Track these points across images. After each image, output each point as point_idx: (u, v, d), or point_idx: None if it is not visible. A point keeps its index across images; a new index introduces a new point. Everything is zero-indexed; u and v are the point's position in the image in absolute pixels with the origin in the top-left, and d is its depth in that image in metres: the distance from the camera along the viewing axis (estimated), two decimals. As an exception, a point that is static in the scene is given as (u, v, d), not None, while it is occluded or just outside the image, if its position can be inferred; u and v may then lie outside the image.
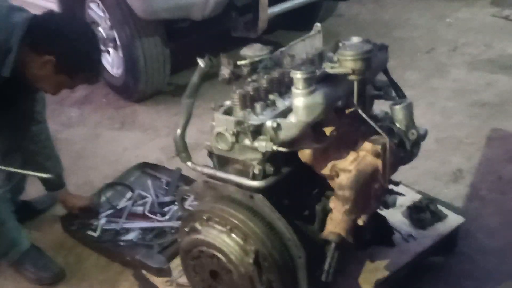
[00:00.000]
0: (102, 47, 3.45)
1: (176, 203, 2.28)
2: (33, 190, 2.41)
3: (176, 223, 2.17)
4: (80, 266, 2.12)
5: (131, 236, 2.16)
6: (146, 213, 2.27)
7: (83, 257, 2.17)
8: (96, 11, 3.31)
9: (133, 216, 2.28)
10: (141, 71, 3.18)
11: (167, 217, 2.24)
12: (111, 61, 3.48)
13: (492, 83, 3.25)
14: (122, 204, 2.36)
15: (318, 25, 1.65)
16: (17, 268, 2.07)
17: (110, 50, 3.43)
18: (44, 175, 1.95)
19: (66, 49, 1.66)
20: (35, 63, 1.67)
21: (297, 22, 3.95)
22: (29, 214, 2.30)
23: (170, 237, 2.11)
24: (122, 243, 2.13)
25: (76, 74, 1.75)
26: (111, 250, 2.12)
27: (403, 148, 1.38)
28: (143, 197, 2.39)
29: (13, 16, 1.63)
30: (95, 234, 2.19)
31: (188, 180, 2.41)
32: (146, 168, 2.58)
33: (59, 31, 1.67)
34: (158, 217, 2.25)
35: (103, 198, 2.37)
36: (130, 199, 2.38)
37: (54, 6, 3.37)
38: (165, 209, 2.30)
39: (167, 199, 2.36)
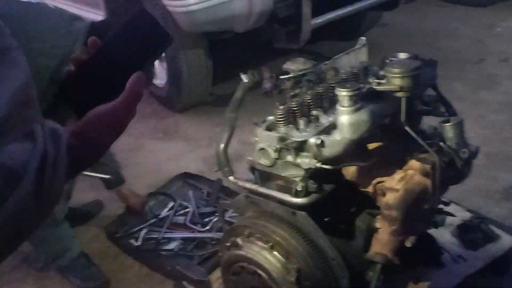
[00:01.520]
0: (147, 59, 3.55)
1: (216, 214, 2.31)
2: (77, 198, 2.50)
3: (216, 234, 2.19)
4: (123, 275, 2.16)
5: (172, 245, 2.19)
6: (187, 223, 2.31)
7: (126, 266, 2.21)
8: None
9: (174, 225, 2.32)
10: (184, 82, 3.25)
11: (207, 227, 2.27)
12: (156, 73, 3.56)
13: (546, 96, 3.08)
14: (164, 213, 2.40)
15: (363, 38, 1.62)
16: (64, 274, 2.14)
17: (155, 62, 3.52)
18: (107, 176, 2.09)
19: None
20: None
21: (339, 32, 3.91)
22: (75, 222, 2.38)
23: (210, 248, 2.12)
24: (163, 253, 2.16)
25: None
26: (152, 259, 2.16)
27: (454, 167, 1.32)
28: (185, 207, 2.43)
29: (75, 24, 1.73)
30: (137, 243, 2.24)
31: (228, 191, 2.43)
32: (187, 178, 2.63)
33: None
34: (199, 228, 2.28)
35: (146, 208, 2.42)
36: (171, 208, 2.42)
37: (103, 16, 3.50)
38: (206, 219, 2.32)
39: (207, 209, 2.39)
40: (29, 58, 1.69)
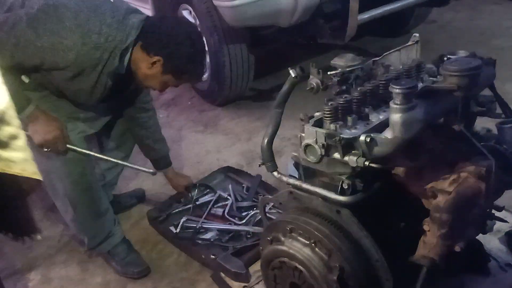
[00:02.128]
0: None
1: (255, 208, 2.32)
2: (123, 186, 2.57)
3: (252, 228, 2.20)
4: (162, 263, 2.21)
5: (208, 235, 2.23)
6: (226, 215, 2.33)
7: (165, 254, 2.26)
8: (188, 18, 3.45)
9: (212, 216, 2.35)
10: (226, 77, 3.26)
11: (244, 221, 2.28)
12: (206, 68, 3.58)
13: None
14: (203, 201, 2.45)
15: (416, 35, 1.57)
16: (106, 259, 2.20)
17: (198, 55, 3.55)
18: (149, 171, 2.14)
19: (173, 51, 1.77)
20: (146, 62, 1.80)
21: (386, 28, 3.81)
22: (118, 209, 2.45)
23: (245, 241, 2.14)
24: (199, 241, 2.21)
25: (181, 74, 1.86)
26: (188, 247, 2.21)
27: (510, 171, 1.26)
28: (224, 199, 2.45)
29: (130, 17, 1.77)
30: (176, 230, 2.29)
31: (267, 187, 2.44)
32: (229, 172, 2.66)
33: (168, 34, 1.77)
34: (236, 221, 2.30)
35: (187, 196, 2.48)
36: (211, 200, 2.46)
37: (149, 13, 3.56)
38: (243, 213, 2.34)
39: (246, 203, 2.40)
40: (85, 50, 1.76)
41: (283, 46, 3.84)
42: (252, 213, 2.31)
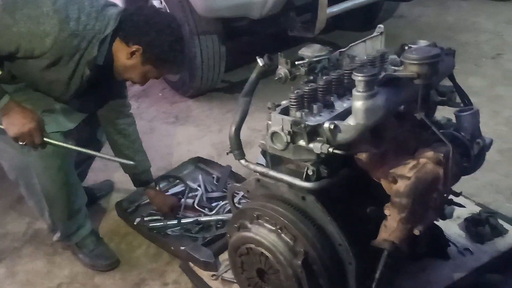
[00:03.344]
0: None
1: (224, 198, 2.33)
2: (91, 177, 2.54)
3: (222, 216, 2.22)
4: (131, 254, 2.19)
5: (178, 226, 2.22)
6: (196, 205, 2.33)
7: (135, 245, 2.24)
8: (158, 8, 3.41)
9: (182, 207, 2.33)
10: (197, 68, 3.24)
11: (214, 211, 2.29)
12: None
13: None
14: (171, 191, 2.44)
15: (381, 26, 1.61)
16: (74, 251, 2.17)
17: (169, 46, 3.52)
18: (130, 163, 2.05)
19: (152, 39, 1.74)
20: (125, 53, 1.76)
21: (355, 22, 3.87)
22: (88, 200, 2.38)
23: (215, 231, 2.15)
24: (169, 232, 2.20)
25: (161, 64, 1.82)
26: (158, 238, 2.20)
27: (467, 158, 1.31)
28: (194, 191, 2.45)
29: (109, 9, 1.74)
30: (145, 222, 2.27)
31: (237, 177, 2.45)
32: (199, 162, 2.66)
33: (146, 23, 1.75)
34: (206, 211, 2.30)
35: (156, 187, 2.45)
36: (181, 191, 2.45)
37: (120, 4, 3.49)
38: (213, 204, 2.34)
39: (216, 194, 2.41)
40: (63, 37, 1.71)
41: (255, 38, 3.85)
42: (222, 203, 2.32)
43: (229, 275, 1.80)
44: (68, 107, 1.92)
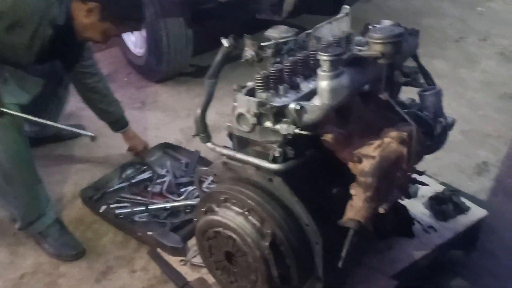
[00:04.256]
0: (126, 26, 3.45)
1: (193, 184, 2.30)
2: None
3: (190, 201, 2.19)
4: (98, 242, 2.14)
5: (146, 213, 2.19)
6: (163, 192, 2.30)
7: (101, 233, 2.19)
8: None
9: (150, 194, 2.30)
10: (164, 52, 3.17)
11: (183, 197, 2.26)
12: (134, 41, 3.48)
13: (523, 76, 3.14)
14: (139, 179, 2.40)
15: (346, 7, 1.60)
16: (38, 241, 2.10)
17: (134, 29, 3.43)
18: (89, 134, 2.12)
19: None
20: (82, 11, 1.76)
21: (323, 6, 3.86)
22: (56, 138, 2.50)
23: (184, 216, 2.13)
24: (136, 219, 2.16)
25: (119, 20, 1.83)
26: (125, 225, 2.16)
27: (430, 136, 1.33)
28: (162, 177, 2.41)
29: None
30: (111, 209, 2.22)
31: (206, 162, 2.42)
32: (167, 148, 2.61)
33: None
34: (175, 197, 2.27)
35: (123, 176, 2.41)
36: (149, 177, 2.41)
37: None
38: (182, 189, 2.31)
39: (184, 179, 2.38)
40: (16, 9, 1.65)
41: (223, 22, 3.79)
42: (191, 188, 2.29)
43: (198, 260, 1.78)
44: (28, 76, 1.94)
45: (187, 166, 2.47)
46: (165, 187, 2.33)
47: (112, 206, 2.25)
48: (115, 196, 2.30)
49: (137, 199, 2.28)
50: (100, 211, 2.24)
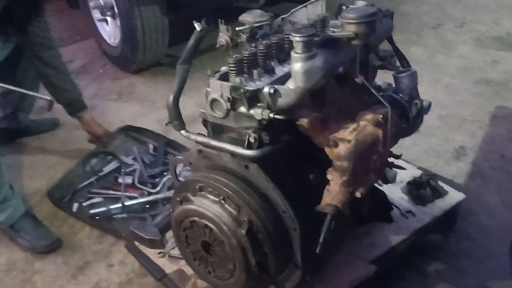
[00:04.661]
0: (100, 16, 3.38)
1: (166, 173, 2.24)
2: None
3: (167, 194, 2.14)
4: (74, 237, 2.10)
5: (122, 208, 2.12)
6: (136, 184, 2.23)
7: (77, 228, 2.14)
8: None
9: (122, 186, 2.22)
10: (139, 41, 3.10)
11: (158, 188, 2.20)
12: (109, 31, 3.40)
13: (498, 61, 3.17)
14: (106, 170, 2.34)
15: (321, -10, 1.57)
16: (11, 236, 2.04)
17: (108, 19, 3.35)
18: (46, 98, 2.11)
19: None
20: None
21: (300, -6, 3.83)
22: (34, 131, 2.50)
23: (163, 208, 2.08)
24: (114, 217, 2.10)
25: None
26: (104, 225, 2.10)
27: (406, 119, 1.32)
28: (130, 165, 2.33)
29: None
30: (85, 208, 2.16)
31: (175, 145, 2.35)
32: (130, 131, 2.52)
33: None
34: (149, 187, 2.21)
35: (87, 167, 2.34)
36: (117, 168, 2.33)
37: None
38: (157, 179, 2.25)
39: (157, 170, 2.30)
40: None
41: (200, 10, 3.73)
42: (165, 179, 2.21)
43: (176, 252, 1.75)
44: None
45: (155, 150, 2.38)
46: (136, 179, 2.25)
47: (85, 204, 2.18)
48: (86, 193, 2.23)
49: (109, 193, 2.21)
50: (74, 210, 2.17)
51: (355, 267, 1.57)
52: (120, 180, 2.25)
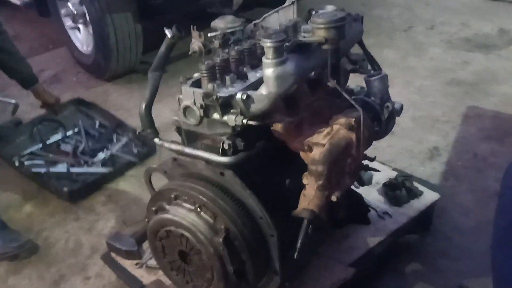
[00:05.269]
0: (72, 24, 3.32)
1: (105, 149, 2.50)
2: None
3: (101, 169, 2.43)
4: (48, 250, 2.05)
5: (59, 168, 2.41)
6: (78, 153, 2.49)
7: (51, 241, 2.10)
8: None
9: (63, 154, 2.50)
10: (112, 48, 3.06)
11: (96, 160, 2.47)
12: (81, 38, 3.35)
13: (468, 62, 3.24)
14: (53, 139, 2.57)
15: (292, -5, 1.58)
16: None
17: (80, 26, 3.30)
18: (11, 102, 2.29)
19: None
20: None
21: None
22: None
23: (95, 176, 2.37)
24: (49, 174, 2.37)
25: None
26: (41, 179, 2.36)
27: (378, 122, 1.33)
28: (72, 137, 2.59)
29: None
30: (27, 163, 2.44)
31: (125, 128, 2.66)
32: (80, 105, 2.75)
33: None
34: (87, 158, 2.45)
35: (34, 131, 2.55)
36: (62, 138, 2.58)
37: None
38: (99, 153, 2.51)
39: (98, 146, 2.55)
40: None
41: (174, 17, 3.71)
42: (103, 155, 2.48)
43: (153, 262, 1.72)
44: None
45: (100, 125, 2.62)
46: (80, 149, 2.51)
47: (27, 163, 2.43)
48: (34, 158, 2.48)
49: (49, 157, 2.47)
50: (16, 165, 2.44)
51: (334, 270, 1.57)
52: (62, 147, 2.50)
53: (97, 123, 2.61)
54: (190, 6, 3.35)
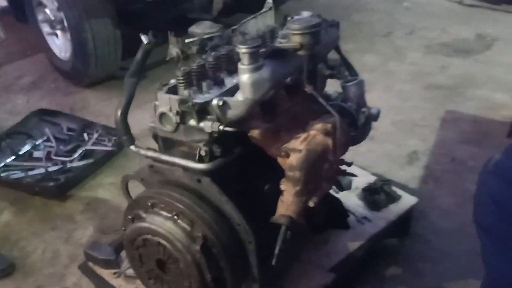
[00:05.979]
0: (50, 30, 3.28)
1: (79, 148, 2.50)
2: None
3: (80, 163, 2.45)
4: (25, 261, 2.01)
5: (37, 171, 2.40)
6: (52, 156, 2.48)
7: (29, 251, 2.06)
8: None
9: (37, 159, 2.49)
10: (90, 54, 3.03)
11: (73, 157, 2.48)
12: (59, 44, 3.30)
13: (446, 66, 3.29)
14: (24, 150, 2.55)
15: (269, 1, 1.58)
16: None
17: (58, 32, 3.26)
18: None
19: None
20: None
21: (256, 5, 3.86)
22: None
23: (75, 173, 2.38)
24: (28, 179, 2.36)
25: None
26: (19, 184, 2.34)
27: (354, 127, 1.34)
28: (45, 145, 2.58)
29: None
30: (3, 175, 2.41)
31: (91, 124, 2.67)
32: (43, 115, 2.73)
33: None
34: (63, 159, 2.46)
35: (3, 145, 2.52)
36: (32, 147, 2.56)
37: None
38: (74, 153, 2.51)
39: (70, 146, 2.55)
40: None
41: (154, 22, 3.69)
42: (77, 154, 2.49)
43: (132, 271, 1.69)
44: None
45: (69, 129, 2.62)
46: (53, 152, 2.50)
47: (3, 175, 2.41)
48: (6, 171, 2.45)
49: (24, 165, 2.45)
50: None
51: (314, 276, 1.57)
52: (35, 155, 2.49)
53: (65, 128, 2.62)
54: (170, 11, 3.34)
